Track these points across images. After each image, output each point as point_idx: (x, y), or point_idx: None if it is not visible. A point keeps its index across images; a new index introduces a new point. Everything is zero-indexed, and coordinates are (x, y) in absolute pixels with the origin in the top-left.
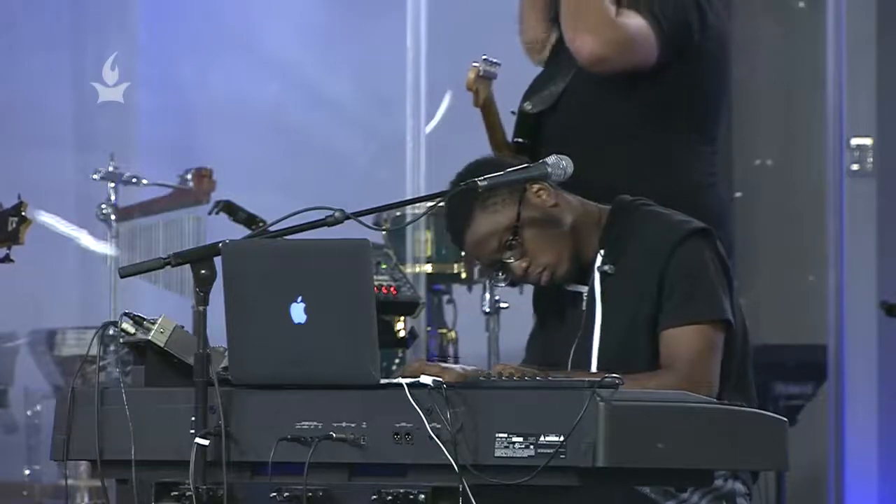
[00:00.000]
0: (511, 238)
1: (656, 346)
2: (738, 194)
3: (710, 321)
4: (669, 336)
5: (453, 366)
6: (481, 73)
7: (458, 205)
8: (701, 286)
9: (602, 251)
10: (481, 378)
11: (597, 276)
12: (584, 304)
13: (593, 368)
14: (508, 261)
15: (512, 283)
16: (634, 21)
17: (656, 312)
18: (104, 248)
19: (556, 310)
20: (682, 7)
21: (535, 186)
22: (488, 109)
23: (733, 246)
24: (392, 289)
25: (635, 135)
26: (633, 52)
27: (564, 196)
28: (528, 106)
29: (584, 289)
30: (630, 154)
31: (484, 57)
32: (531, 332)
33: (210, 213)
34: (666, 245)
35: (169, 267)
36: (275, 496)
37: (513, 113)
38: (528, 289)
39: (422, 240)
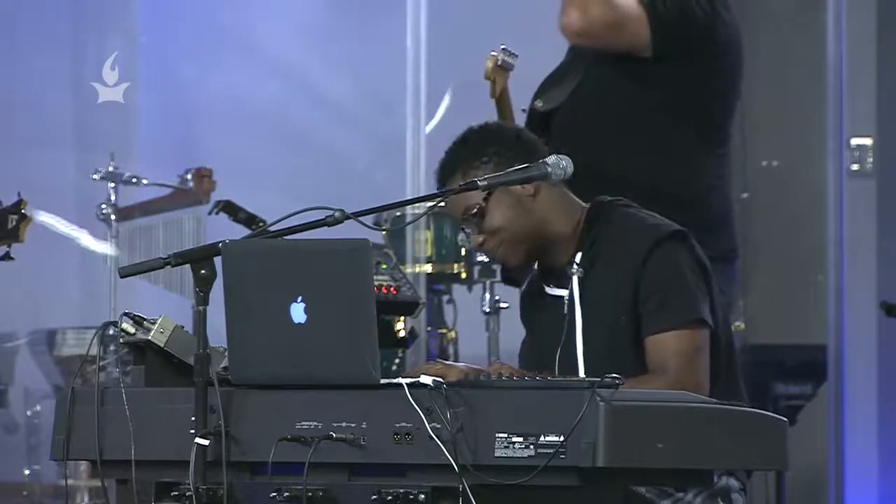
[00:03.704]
0: (473, 214)
1: (640, 350)
2: (744, 195)
3: (690, 323)
4: (654, 342)
5: (456, 364)
6: (499, 63)
7: (447, 160)
8: (677, 290)
9: (579, 253)
10: (481, 377)
11: (574, 279)
12: (565, 307)
13: (580, 374)
14: (468, 231)
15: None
16: (629, 2)
17: (636, 317)
18: (104, 248)
19: (540, 315)
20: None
21: None
22: (503, 101)
23: (738, 248)
24: (392, 289)
25: (645, 130)
26: (621, 32)
27: (548, 192)
28: (539, 104)
29: (565, 292)
30: (639, 148)
31: (503, 47)
32: (523, 340)
33: (210, 213)
34: (641, 248)
35: (169, 267)
36: (275, 496)
37: (523, 111)
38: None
39: (422, 240)
